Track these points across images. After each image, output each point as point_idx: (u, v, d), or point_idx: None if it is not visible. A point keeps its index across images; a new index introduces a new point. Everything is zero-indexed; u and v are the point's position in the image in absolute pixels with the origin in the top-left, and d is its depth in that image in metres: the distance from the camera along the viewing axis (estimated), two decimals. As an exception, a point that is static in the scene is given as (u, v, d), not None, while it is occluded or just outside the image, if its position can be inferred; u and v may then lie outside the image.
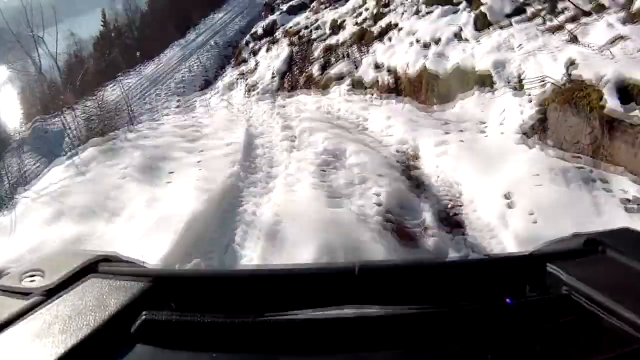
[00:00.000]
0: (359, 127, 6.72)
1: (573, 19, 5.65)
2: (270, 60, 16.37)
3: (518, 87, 5.32)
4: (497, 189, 3.57)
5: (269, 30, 20.35)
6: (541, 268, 0.71)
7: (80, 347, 0.57)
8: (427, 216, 3.49)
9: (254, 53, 19.49)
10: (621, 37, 4.52)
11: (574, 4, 5.87)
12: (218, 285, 0.76)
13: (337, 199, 3.64)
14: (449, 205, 3.81)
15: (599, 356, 0.55)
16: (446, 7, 8.55)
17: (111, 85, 22.09)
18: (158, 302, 0.69)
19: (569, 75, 4.24)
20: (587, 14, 5.60)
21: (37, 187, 5.67)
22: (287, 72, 14.80)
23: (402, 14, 10.29)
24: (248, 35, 23.15)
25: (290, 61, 15.09)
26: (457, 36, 7.48)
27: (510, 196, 3.43)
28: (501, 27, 6.70)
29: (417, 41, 8.46)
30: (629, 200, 3.27)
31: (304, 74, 13.59)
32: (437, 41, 7.81)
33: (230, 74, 19.87)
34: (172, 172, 4.96)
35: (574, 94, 4.00)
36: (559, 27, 5.66)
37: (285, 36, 17.29)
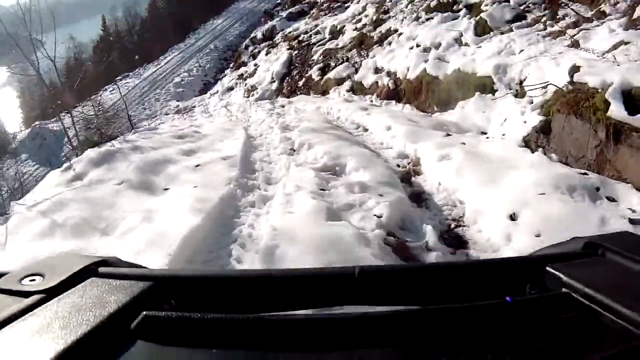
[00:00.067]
0: (358, 135, 6.64)
1: (574, 25, 5.64)
2: (269, 64, 16.39)
3: (519, 91, 5.28)
4: (501, 203, 3.47)
5: (269, 35, 20.45)
6: (541, 270, 0.71)
7: (80, 343, 0.56)
8: (430, 233, 3.40)
9: (254, 56, 19.56)
10: (623, 43, 4.49)
11: (574, 11, 5.87)
12: (218, 287, 0.76)
13: (337, 215, 3.55)
14: (452, 222, 3.73)
15: (599, 353, 0.55)
16: (446, 13, 8.57)
17: (111, 89, 22.17)
18: (158, 301, 0.69)
19: (573, 81, 4.19)
20: (588, 20, 5.59)
21: (32, 197, 5.58)
22: (287, 75, 14.82)
23: (402, 20, 10.32)
24: (248, 40, 23.26)
25: (289, 65, 15.10)
26: (458, 41, 7.48)
27: (515, 216, 3.33)
28: (502, 33, 6.69)
29: (417, 46, 8.45)
30: (634, 211, 3.22)
31: (303, 77, 13.60)
32: (437, 46, 7.80)
33: (229, 77, 19.90)
34: (167, 189, 4.88)
35: (578, 101, 3.93)
36: (560, 33, 5.65)
37: (284, 41, 17.36)
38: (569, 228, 2.92)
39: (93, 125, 10.68)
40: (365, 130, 6.89)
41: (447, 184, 4.16)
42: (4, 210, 5.69)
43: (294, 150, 5.55)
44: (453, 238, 3.53)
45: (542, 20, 6.31)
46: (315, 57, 13.50)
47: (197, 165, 5.42)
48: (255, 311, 0.69)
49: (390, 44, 9.86)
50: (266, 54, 18.01)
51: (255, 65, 17.92)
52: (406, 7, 10.90)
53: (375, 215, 3.55)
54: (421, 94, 7.74)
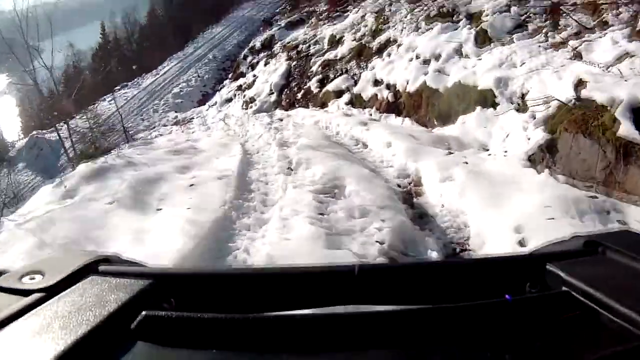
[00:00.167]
0: (358, 152, 6.52)
1: (576, 36, 5.52)
2: (268, 75, 16.31)
3: (521, 105, 5.15)
4: (506, 224, 3.32)
5: (267, 45, 20.39)
6: (541, 268, 0.72)
7: (80, 343, 0.56)
8: (433, 256, 3.27)
9: (252, 67, 19.50)
10: (628, 55, 4.37)
11: (576, 21, 5.75)
12: (219, 285, 0.77)
13: (336, 242, 3.40)
14: (457, 246, 3.57)
15: (599, 352, 0.55)
16: (446, 23, 8.44)
17: (109, 99, 22.08)
18: (159, 300, 0.69)
19: (578, 96, 4.05)
20: (590, 30, 5.46)
21: (23, 212, 5.48)
22: (285, 87, 14.73)
23: (402, 30, 10.20)
24: (246, 49, 23.23)
25: (288, 76, 15.01)
26: (458, 52, 7.35)
27: (524, 242, 3.16)
28: (502, 44, 6.57)
29: (417, 57, 8.33)
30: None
31: (302, 89, 13.50)
32: (437, 57, 7.68)
33: (228, 88, 19.83)
34: (159, 209, 4.74)
35: (586, 120, 3.79)
36: (562, 44, 5.52)
37: (283, 51, 17.29)
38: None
39: (88, 138, 10.56)
40: (365, 146, 6.76)
41: (451, 205, 4.02)
42: None
43: (292, 170, 5.39)
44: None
45: (544, 31, 6.19)
46: (314, 68, 13.39)
47: (192, 185, 5.27)
48: (255, 309, 0.70)
49: (389, 55, 9.74)
50: (265, 65, 17.94)
51: (254, 76, 17.84)
52: (405, 16, 10.79)
53: (377, 241, 3.40)
54: (421, 107, 7.62)
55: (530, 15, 6.80)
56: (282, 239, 3.52)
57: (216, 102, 18.70)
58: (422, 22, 9.60)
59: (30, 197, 7.72)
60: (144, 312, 0.61)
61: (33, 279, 0.71)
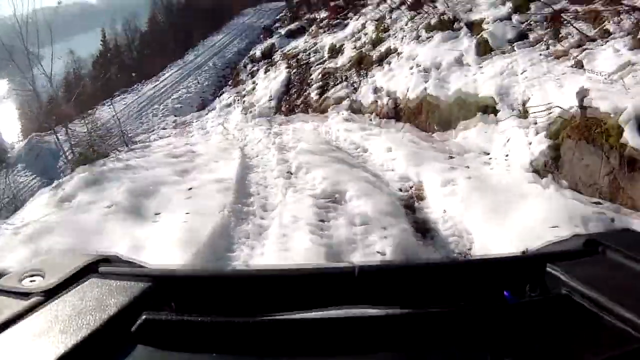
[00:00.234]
0: (358, 159, 6.46)
1: (577, 45, 5.50)
2: (268, 83, 16.29)
3: (523, 114, 5.13)
4: (512, 238, 3.27)
5: (268, 53, 20.41)
6: (541, 268, 0.71)
7: (81, 347, 0.56)
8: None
9: (252, 75, 19.50)
10: (630, 64, 4.35)
11: (577, 29, 5.74)
12: (218, 286, 0.76)
13: (337, 253, 3.34)
14: (460, 257, 3.51)
15: (599, 356, 0.55)
16: (447, 32, 8.43)
17: (108, 104, 22.03)
18: (158, 302, 0.69)
19: (582, 105, 4.02)
20: (592, 39, 5.45)
21: (21, 217, 5.41)
22: (285, 95, 14.70)
23: (402, 39, 10.20)
24: (246, 58, 23.26)
25: (288, 84, 15.00)
26: (459, 61, 7.33)
27: (526, 250, 3.14)
28: (503, 53, 6.56)
29: (418, 66, 8.31)
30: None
31: (301, 96, 13.47)
32: (438, 66, 7.66)
33: (227, 95, 19.80)
34: (158, 214, 4.67)
35: (589, 127, 3.76)
36: (564, 53, 5.51)
37: (283, 59, 17.29)
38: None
39: (87, 141, 10.52)
40: (365, 151, 6.72)
41: (453, 212, 3.96)
42: None
43: (291, 174, 5.34)
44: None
45: (545, 40, 6.18)
46: (314, 77, 13.38)
47: (190, 189, 5.22)
48: (256, 310, 0.69)
49: (389, 63, 9.73)
50: (265, 72, 17.94)
51: (254, 83, 17.83)
52: (406, 24, 10.80)
53: (378, 252, 3.34)
54: (421, 114, 7.58)
55: (531, 24, 6.80)
56: (281, 249, 3.46)
57: (215, 108, 18.66)
58: (422, 30, 9.60)
59: (29, 198, 7.66)
60: (144, 315, 0.61)
61: (33, 280, 0.71)
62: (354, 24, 14.14)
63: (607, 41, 5.07)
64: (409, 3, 11.37)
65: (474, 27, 7.87)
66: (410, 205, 4.42)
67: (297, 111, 12.92)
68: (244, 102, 16.66)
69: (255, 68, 19.95)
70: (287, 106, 13.89)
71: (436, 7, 9.86)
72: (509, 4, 7.50)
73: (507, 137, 5.06)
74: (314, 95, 12.56)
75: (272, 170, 5.79)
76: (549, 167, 4.19)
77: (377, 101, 9.24)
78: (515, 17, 7.07)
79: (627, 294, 0.61)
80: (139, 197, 5.08)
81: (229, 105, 17.98)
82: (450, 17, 8.80)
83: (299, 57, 15.82)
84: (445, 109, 6.86)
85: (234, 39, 33.17)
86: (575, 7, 6.21)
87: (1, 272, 0.74)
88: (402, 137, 6.55)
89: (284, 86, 14.96)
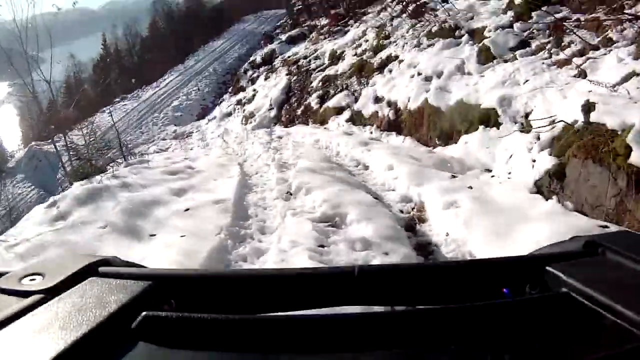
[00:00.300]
0: (359, 174, 6.36)
1: (580, 53, 5.40)
2: (268, 90, 16.25)
3: (525, 125, 5.02)
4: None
5: (268, 59, 20.41)
6: (541, 269, 0.71)
7: (80, 343, 0.55)
8: None
9: (252, 81, 19.49)
10: (635, 74, 4.24)
11: (580, 37, 5.63)
12: (218, 287, 0.76)
13: None
14: None
15: (599, 353, 0.54)
16: (448, 40, 8.35)
17: (108, 111, 22.00)
18: (159, 301, 0.69)
19: (588, 120, 3.90)
20: (595, 47, 5.35)
21: (14, 233, 5.33)
22: (285, 102, 14.66)
23: (403, 46, 10.13)
24: (247, 63, 23.27)
25: (288, 91, 14.95)
26: (460, 69, 7.24)
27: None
28: (505, 61, 6.47)
29: (419, 74, 8.22)
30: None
31: (301, 105, 13.42)
32: (439, 74, 7.56)
33: (227, 102, 19.81)
34: (153, 235, 4.59)
35: (596, 145, 3.63)
36: (566, 62, 5.41)
37: (283, 65, 17.26)
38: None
39: (84, 155, 10.46)
40: (366, 168, 6.62)
41: (456, 234, 3.84)
42: None
43: (291, 194, 5.24)
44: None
45: (547, 48, 6.08)
46: (314, 84, 13.33)
47: (187, 210, 5.13)
48: (255, 311, 0.70)
49: (390, 71, 9.66)
50: (265, 79, 17.92)
51: (254, 90, 17.81)
52: (407, 32, 10.73)
53: None
54: (422, 125, 7.49)
55: (533, 32, 6.70)
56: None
57: (216, 117, 18.68)
58: (423, 38, 9.53)
59: (27, 210, 7.59)
60: (144, 313, 0.61)
61: (33, 280, 0.71)
62: (354, 31, 14.10)
63: (611, 50, 4.97)
64: (410, 11, 11.31)
65: (476, 35, 7.79)
66: (412, 227, 4.31)
67: (297, 122, 12.88)
68: (244, 110, 16.63)
69: (255, 74, 19.95)
70: (288, 116, 13.83)
71: (437, 15, 9.79)
72: (510, 13, 7.41)
73: (509, 153, 4.96)
74: (314, 104, 12.50)
75: (272, 190, 5.68)
76: (553, 187, 4.06)
77: (377, 112, 9.15)
78: (517, 25, 6.97)
79: (627, 293, 0.61)
80: (134, 217, 5.00)
81: (229, 114, 17.97)
82: (452, 25, 8.71)
83: (299, 63, 15.79)
84: (446, 120, 6.77)
85: (235, 44, 33.23)
86: (578, 16, 6.12)
87: (1, 272, 0.74)
88: (403, 153, 6.45)
89: (284, 94, 14.92)
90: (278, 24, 30.24)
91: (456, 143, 6.31)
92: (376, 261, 3.37)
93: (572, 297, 0.63)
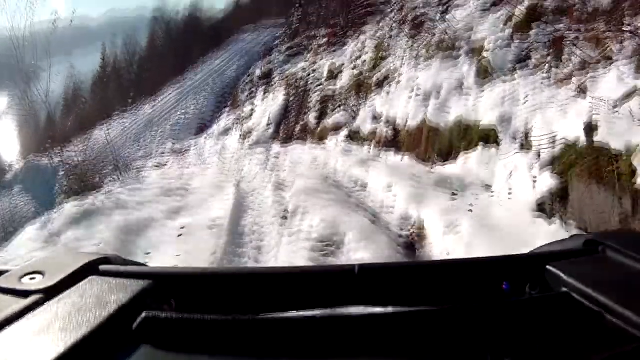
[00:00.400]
0: (357, 193, 6.32)
1: (580, 69, 5.35)
2: (266, 106, 16.27)
3: (526, 146, 4.95)
4: None
5: (267, 73, 20.41)
6: (541, 268, 0.70)
7: (81, 344, 0.55)
8: None
9: (251, 97, 19.47)
10: (637, 91, 4.18)
11: (580, 49, 5.58)
12: (219, 285, 0.76)
13: None
14: None
15: (599, 354, 0.54)
16: (446, 57, 8.31)
17: (106, 125, 21.96)
18: (159, 300, 0.69)
19: (591, 141, 3.84)
20: (595, 63, 5.30)
21: (5, 253, 5.28)
22: (283, 119, 14.65)
23: (402, 63, 10.11)
24: (245, 77, 23.28)
25: (286, 108, 14.94)
26: (459, 87, 7.20)
27: None
28: (505, 77, 6.43)
29: (417, 92, 8.19)
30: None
31: (299, 123, 13.40)
32: (438, 92, 7.53)
33: (226, 119, 19.78)
34: (148, 253, 4.55)
35: (600, 167, 3.58)
36: (566, 78, 5.36)
37: (282, 81, 17.26)
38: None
39: (79, 171, 10.43)
40: (364, 188, 6.56)
41: (456, 256, 3.77)
42: None
43: (287, 219, 5.18)
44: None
45: (546, 65, 6.03)
46: (312, 101, 13.33)
47: (180, 235, 5.10)
48: (256, 309, 0.70)
49: (389, 86, 9.64)
50: (263, 94, 17.94)
51: (253, 107, 17.79)
52: (405, 50, 10.72)
53: None
54: (421, 144, 7.43)
55: (533, 47, 6.67)
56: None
57: (214, 133, 18.62)
58: (422, 56, 9.50)
59: (23, 225, 7.52)
60: (144, 314, 0.61)
61: (33, 279, 0.71)
62: (353, 44, 14.10)
63: (611, 64, 4.91)
64: (408, 26, 11.31)
65: (474, 52, 7.75)
66: (411, 249, 4.24)
67: (295, 139, 12.86)
68: (242, 128, 16.58)
69: (254, 90, 19.97)
70: (286, 133, 13.80)
71: (436, 31, 9.77)
72: (509, 30, 7.38)
73: (509, 171, 4.89)
74: (312, 121, 12.48)
75: (268, 213, 5.64)
76: (555, 208, 4.00)
77: (376, 129, 9.10)
78: (516, 43, 6.93)
79: (627, 293, 0.60)
80: (126, 241, 4.97)
81: (227, 130, 17.94)
82: (450, 42, 8.69)
83: (297, 78, 15.79)
84: (445, 138, 6.72)
85: (234, 58, 33.33)
86: (578, 26, 6.07)
87: (1, 270, 0.73)
88: (402, 172, 6.40)
89: (282, 111, 14.92)
90: (277, 34, 30.33)
91: (456, 160, 6.25)
92: None
93: (572, 298, 0.63)
